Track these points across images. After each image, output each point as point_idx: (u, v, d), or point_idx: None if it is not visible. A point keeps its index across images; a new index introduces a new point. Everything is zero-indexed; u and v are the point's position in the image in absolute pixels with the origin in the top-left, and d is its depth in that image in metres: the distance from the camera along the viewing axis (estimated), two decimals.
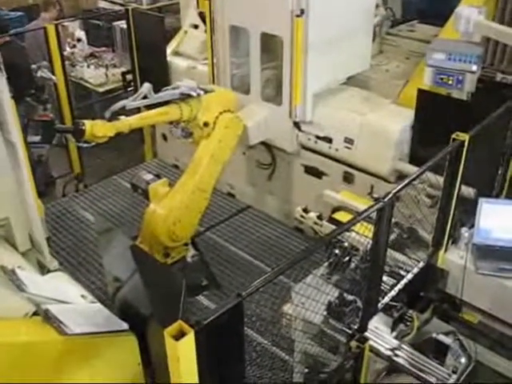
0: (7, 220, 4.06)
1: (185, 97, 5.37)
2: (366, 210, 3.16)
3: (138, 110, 5.81)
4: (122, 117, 5.01)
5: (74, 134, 4.84)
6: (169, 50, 7.67)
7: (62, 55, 7.49)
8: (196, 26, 7.65)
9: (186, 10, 8.01)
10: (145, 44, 7.76)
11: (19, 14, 11.38)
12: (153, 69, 7.65)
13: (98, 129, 4.78)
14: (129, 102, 5.07)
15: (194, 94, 5.37)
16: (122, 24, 8.69)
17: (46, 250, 4.19)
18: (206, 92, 5.51)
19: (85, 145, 4.94)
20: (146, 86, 5.12)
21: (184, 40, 7.73)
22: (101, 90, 9.01)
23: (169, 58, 7.60)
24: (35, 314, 3.03)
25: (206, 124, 5.56)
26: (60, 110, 7.66)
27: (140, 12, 8.07)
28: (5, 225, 4.10)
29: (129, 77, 8.29)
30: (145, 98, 5.15)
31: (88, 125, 4.76)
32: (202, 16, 7.42)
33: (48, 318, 2.96)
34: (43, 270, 4.28)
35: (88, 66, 9.23)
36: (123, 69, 8.84)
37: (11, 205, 4.02)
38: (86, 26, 10.35)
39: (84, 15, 10.97)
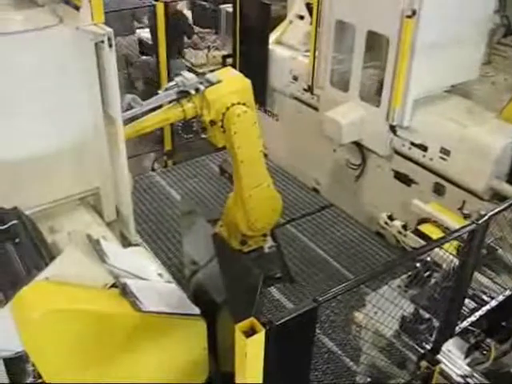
0: (98, 190, 4.22)
1: (183, 95, 4.93)
2: (457, 230, 3.01)
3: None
4: None
5: None
6: (271, 38, 7.65)
7: (167, 33, 7.62)
8: (302, 17, 7.57)
9: None
10: (248, 30, 7.77)
11: None
12: (253, 55, 7.67)
13: None
14: None
15: (193, 91, 4.89)
16: (229, 7, 8.76)
17: (132, 223, 4.31)
18: (212, 84, 5.00)
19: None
20: (128, 98, 4.70)
21: (288, 30, 7.68)
22: (200, 70, 9.13)
23: (270, 47, 7.58)
24: (113, 285, 3.11)
25: (212, 122, 5.03)
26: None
27: None
28: (95, 194, 4.25)
29: (229, 60, 8.34)
30: (129, 108, 4.69)
31: None
32: (308, 7, 7.33)
33: (125, 292, 3.03)
34: (125, 242, 4.41)
35: (190, 46, 9.39)
36: (224, 52, 8.93)
37: (103, 176, 4.17)
38: (193, 6, 10.54)
39: None
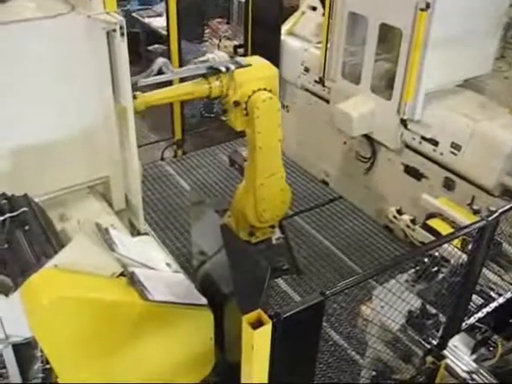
0: (107, 178, 4.23)
1: (213, 71, 4.91)
2: (466, 227, 2.99)
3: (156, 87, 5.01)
4: (138, 92, 4.55)
5: None
6: (283, 29, 7.62)
7: (179, 24, 7.59)
8: (314, 8, 7.53)
9: None
10: (260, 20, 7.74)
11: None
12: (265, 46, 7.62)
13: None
14: (141, 78, 4.57)
15: (223, 68, 4.89)
16: None
17: (141, 212, 4.33)
18: (241, 66, 5.01)
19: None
20: (160, 61, 4.72)
21: (300, 21, 7.64)
22: None
23: (282, 37, 7.55)
24: (121, 274, 3.12)
25: (236, 103, 5.03)
26: None
27: None
28: (105, 183, 4.27)
29: (240, 51, 8.32)
30: (160, 73, 4.72)
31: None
32: None
33: (133, 280, 3.04)
34: (134, 230, 4.43)
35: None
36: (236, 42, 8.88)
37: (113, 164, 4.18)
38: None
39: None
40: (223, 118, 5.34)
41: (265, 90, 5.08)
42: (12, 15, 3.55)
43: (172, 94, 4.99)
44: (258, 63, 5.26)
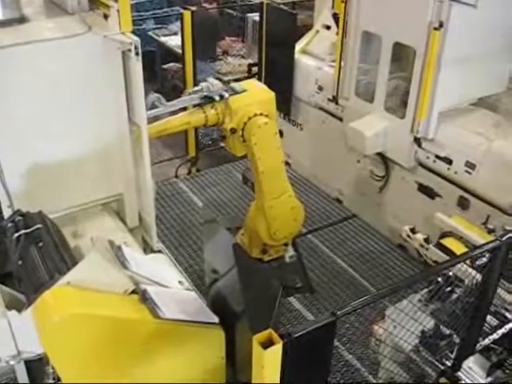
0: (121, 196, 4.26)
1: (207, 100, 4.93)
2: (481, 246, 2.97)
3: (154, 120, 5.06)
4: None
5: None
6: (297, 48, 7.67)
7: (193, 43, 7.67)
8: (328, 27, 7.57)
9: (321, 9, 7.95)
10: (275, 39, 7.80)
11: None
12: (279, 64, 7.69)
13: None
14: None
15: (217, 97, 4.90)
16: (255, 16, 8.80)
17: (154, 230, 4.34)
18: (236, 93, 5.02)
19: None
20: (152, 97, 4.72)
21: (314, 39, 7.68)
22: (225, 78, 9.17)
23: (296, 56, 7.59)
24: (133, 291, 3.13)
25: (232, 130, 5.04)
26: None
27: (274, 6, 8.11)
28: (118, 200, 4.29)
29: (254, 69, 8.39)
30: (153, 107, 4.72)
31: None
32: (335, 17, 7.33)
33: (145, 298, 3.06)
34: (147, 248, 4.44)
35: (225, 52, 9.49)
36: (250, 60, 8.96)
37: (127, 182, 4.21)
38: (220, 13, 10.61)
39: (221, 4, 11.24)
40: (222, 145, 5.35)
41: (261, 114, 5.05)
42: (31, 35, 3.62)
43: (168, 126, 5.00)
44: (254, 88, 5.28)
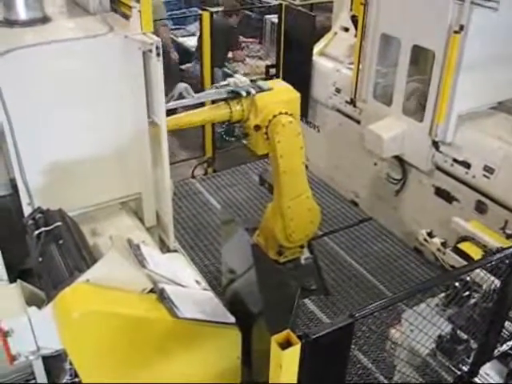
0: (139, 195, 4.29)
1: (234, 96, 4.94)
2: (500, 251, 2.95)
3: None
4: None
5: None
6: (315, 50, 7.66)
7: (212, 43, 7.70)
8: (346, 29, 7.56)
9: (339, 11, 7.94)
10: (293, 40, 7.81)
11: None
12: (297, 66, 7.69)
13: None
14: None
15: (244, 93, 4.92)
16: (274, 18, 8.80)
17: (171, 229, 4.36)
18: (262, 90, 5.05)
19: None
20: (181, 86, 4.73)
21: (332, 41, 7.67)
22: None
23: (314, 58, 7.59)
24: (151, 290, 3.15)
25: (257, 127, 5.07)
26: None
27: (293, 8, 8.12)
28: (136, 199, 4.32)
29: (272, 71, 8.38)
30: (181, 98, 4.74)
31: None
32: (354, 20, 7.32)
33: (163, 297, 3.07)
34: (164, 247, 4.47)
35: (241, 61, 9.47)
36: (268, 62, 8.97)
37: (145, 182, 4.23)
38: (239, 14, 10.61)
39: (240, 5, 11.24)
40: (244, 142, 5.36)
41: (286, 113, 5.08)
42: (53, 35, 3.65)
43: (192, 119, 5.03)
44: (280, 87, 5.31)
